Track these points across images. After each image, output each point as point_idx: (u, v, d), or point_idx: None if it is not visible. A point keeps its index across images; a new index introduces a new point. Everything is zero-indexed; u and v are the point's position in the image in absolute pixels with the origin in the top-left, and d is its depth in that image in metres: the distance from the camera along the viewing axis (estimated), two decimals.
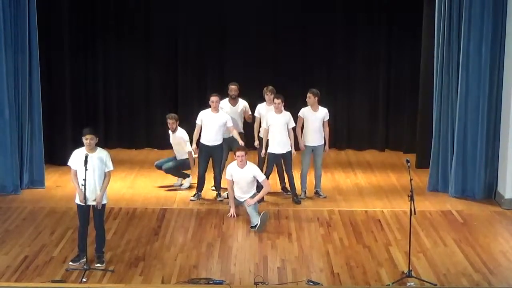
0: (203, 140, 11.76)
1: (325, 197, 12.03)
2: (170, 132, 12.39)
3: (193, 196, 11.89)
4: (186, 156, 12.32)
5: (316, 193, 12.09)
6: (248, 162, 10.93)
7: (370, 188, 12.74)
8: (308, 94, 11.91)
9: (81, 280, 8.60)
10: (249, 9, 14.81)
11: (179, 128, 12.34)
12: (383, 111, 15.36)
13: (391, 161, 14.57)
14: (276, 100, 11.65)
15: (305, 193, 12.00)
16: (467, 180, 12.06)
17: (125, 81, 15.35)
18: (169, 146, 12.73)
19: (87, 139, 8.95)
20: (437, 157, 12.34)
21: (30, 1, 11.99)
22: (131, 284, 8.59)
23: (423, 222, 10.81)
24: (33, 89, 12.26)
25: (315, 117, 11.88)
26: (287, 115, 11.71)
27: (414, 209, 8.71)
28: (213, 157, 11.83)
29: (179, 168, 12.43)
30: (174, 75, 15.33)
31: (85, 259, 8.89)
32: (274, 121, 11.61)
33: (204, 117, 11.72)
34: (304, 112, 11.91)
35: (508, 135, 11.51)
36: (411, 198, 8.70)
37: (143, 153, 15.14)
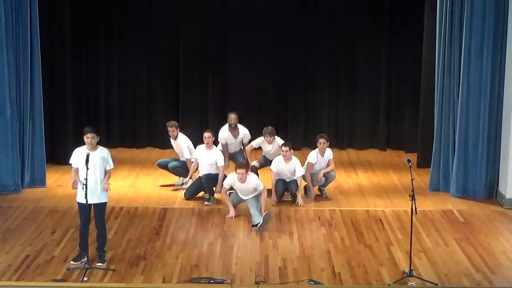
0: (199, 171, 11.91)
1: (327, 197, 12.04)
2: (171, 139, 12.41)
3: (208, 201, 11.75)
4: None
5: (319, 190, 12.13)
6: (248, 175, 10.88)
7: (371, 188, 12.75)
8: (322, 140, 11.85)
9: (82, 279, 8.60)
10: (251, 10, 14.82)
11: (180, 134, 12.35)
12: (385, 111, 15.36)
13: (392, 160, 14.57)
14: (283, 148, 11.60)
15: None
16: (468, 180, 12.06)
17: (126, 81, 15.36)
18: (171, 146, 12.73)
19: (88, 137, 8.95)
20: (438, 157, 12.34)
21: (32, 1, 12.00)
22: (132, 284, 8.59)
23: (424, 221, 10.81)
24: (34, 88, 12.26)
25: (320, 161, 11.95)
26: (293, 164, 11.60)
27: (416, 208, 8.71)
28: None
29: (185, 168, 12.39)
30: (175, 75, 15.32)
31: (86, 258, 8.88)
32: (281, 170, 11.63)
33: (199, 153, 11.82)
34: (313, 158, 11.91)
35: (510, 135, 11.50)
36: (412, 198, 8.69)
37: (145, 153, 15.15)
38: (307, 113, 15.25)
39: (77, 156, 9.02)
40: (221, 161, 11.69)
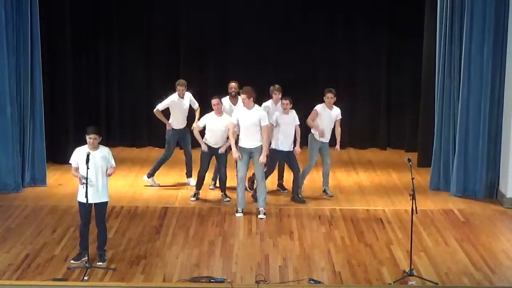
0: (207, 141, 11.68)
1: (331, 196, 12.01)
2: (177, 99, 12.35)
3: (193, 196, 11.86)
4: (181, 126, 12.41)
5: (324, 191, 12.08)
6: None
7: (372, 187, 12.75)
8: (330, 94, 11.78)
9: (83, 278, 8.61)
10: (251, 9, 14.81)
11: (186, 92, 12.44)
12: (385, 110, 15.37)
13: (392, 159, 14.58)
14: (284, 101, 11.55)
15: (301, 189, 11.94)
16: (469, 179, 12.06)
17: (126, 80, 15.37)
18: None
19: (90, 138, 8.92)
20: (439, 156, 12.34)
21: (32, 1, 12.01)
22: (132, 283, 8.59)
23: (425, 221, 10.80)
24: (35, 87, 12.27)
25: (329, 115, 11.85)
26: (293, 114, 11.62)
27: (416, 207, 8.70)
28: (217, 157, 11.73)
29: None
30: (175, 75, 15.24)
31: (86, 258, 8.89)
32: (282, 121, 11.54)
33: (208, 121, 11.61)
34: (320, 109, 11.84)
35: (510, 134, 11.50)
36: (413, 197, 8.69)
37: (145, 152, 15.15)
38: (307, 113, 15.20)
39: (78, 155, 9.00)
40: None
